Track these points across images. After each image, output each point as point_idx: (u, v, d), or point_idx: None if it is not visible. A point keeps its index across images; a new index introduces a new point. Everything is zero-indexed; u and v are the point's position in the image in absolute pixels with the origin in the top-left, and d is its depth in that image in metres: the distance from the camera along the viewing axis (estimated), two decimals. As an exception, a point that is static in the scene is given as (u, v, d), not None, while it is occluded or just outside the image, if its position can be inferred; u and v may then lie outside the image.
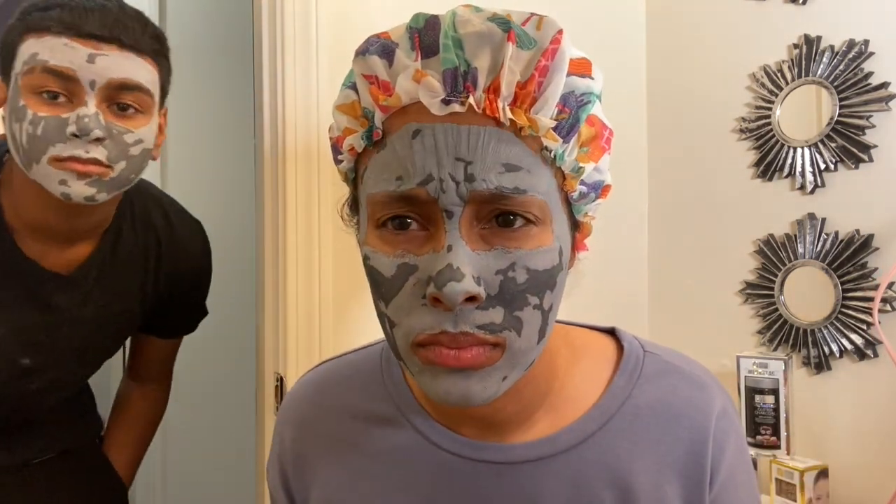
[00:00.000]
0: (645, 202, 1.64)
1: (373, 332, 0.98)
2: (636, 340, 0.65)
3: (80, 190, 0.88)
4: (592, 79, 0.53)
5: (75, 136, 0.86)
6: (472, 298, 0.48)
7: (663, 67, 1.62)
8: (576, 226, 0.57)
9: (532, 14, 0.51)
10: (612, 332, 0.67)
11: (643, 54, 1.64)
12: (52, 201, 0.91)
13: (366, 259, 0.53)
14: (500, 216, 0.50)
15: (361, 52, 0.52)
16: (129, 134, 0.90)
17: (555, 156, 0.51)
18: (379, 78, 0.52)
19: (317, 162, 1.14)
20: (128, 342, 1.27)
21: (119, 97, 0.89)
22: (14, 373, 1.02)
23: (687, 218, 1.56)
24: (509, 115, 0.49)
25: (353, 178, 0.57)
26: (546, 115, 0.50)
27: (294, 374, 1.13)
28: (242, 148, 2.06)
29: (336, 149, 0.57)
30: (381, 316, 0.54)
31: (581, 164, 0.53)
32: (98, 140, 0.87)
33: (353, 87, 0.54)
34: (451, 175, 0.49)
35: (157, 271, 1.13)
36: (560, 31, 0.50)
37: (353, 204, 0.59)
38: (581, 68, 0.53)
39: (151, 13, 2.13)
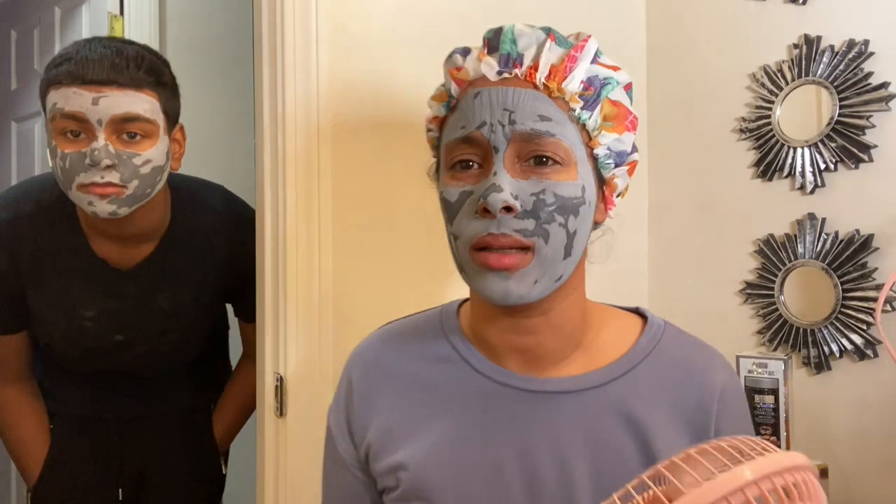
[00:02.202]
0: (645, 202, 1.64)
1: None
2: (658, 317, 0.80)
3: (103, 208, 1.09)
4: (617, 70, 0.71)
5: (91, 165, 1.06)
6: (509, 209, 0.65)
7: (663, 67, 1.62)
8: (603, 181, 0.72)
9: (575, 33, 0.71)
10: (636, 311, 0.82)
11: (643, 54, 1.64)
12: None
13: (441, 195, 0.72)
14: (535, 157, 0.67)
15: (449, 55, 0.73)
16: (137, 157, 1.09)
17: (579, 116, 0.68)
18: (457, 65, 0.72)
19: (317, 162, 1.13)
20: None
21: (125, 128, 1.08)
22: (111, 346, 1.29)
23: (687, 218, 1.56)
24: (544, 81, 0.68)
25: (437, 144, 0.75)
26: (572, 87, 0.68)
27: (294, 374, 1.13)
28: (242, 148, 2.06)
29: (429, 126, 0.76)
30: (450, 236, 0.71)
31: (602, 127, 0.69)
32: (110, 167, 1.07)
33: (443, 85, 0.73)
34: (499, 121, 0.67)
35: (215, 266, 1.32)
36: (589, 37, 0.70)
37: (437, 165, 0.76)
38: (609, 66, 0.71)
39: (151, 13, 2.14)
